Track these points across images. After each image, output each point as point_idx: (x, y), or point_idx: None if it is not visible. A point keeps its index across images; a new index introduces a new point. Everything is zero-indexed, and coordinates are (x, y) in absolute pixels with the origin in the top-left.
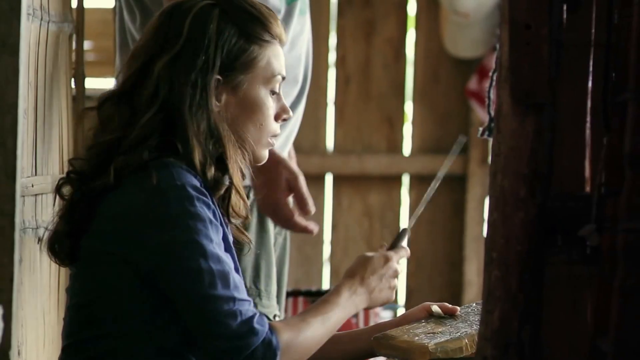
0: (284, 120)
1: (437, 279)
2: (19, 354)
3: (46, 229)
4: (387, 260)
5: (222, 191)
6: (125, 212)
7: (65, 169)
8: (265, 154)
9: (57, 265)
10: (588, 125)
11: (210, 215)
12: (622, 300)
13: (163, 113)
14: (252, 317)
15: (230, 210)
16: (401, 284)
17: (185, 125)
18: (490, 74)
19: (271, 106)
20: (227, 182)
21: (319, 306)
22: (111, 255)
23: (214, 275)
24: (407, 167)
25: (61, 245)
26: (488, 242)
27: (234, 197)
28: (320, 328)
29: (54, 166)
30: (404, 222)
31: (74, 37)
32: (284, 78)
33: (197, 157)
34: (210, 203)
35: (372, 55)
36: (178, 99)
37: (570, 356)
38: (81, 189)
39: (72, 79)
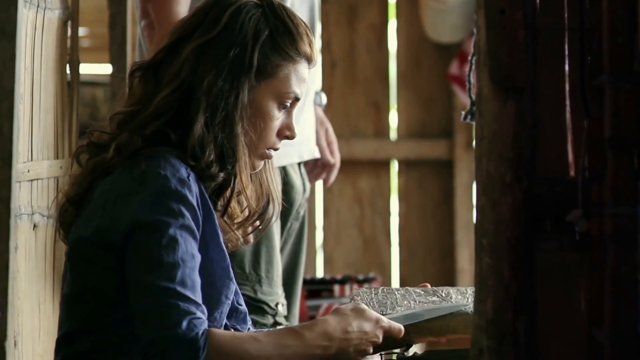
0: (286, 138)
1: (429, 267)
2: (15, 345)
3: (55, 198)
4: (378, 325)
5: (212, 184)
6: (112, 201)
7: (60, 155)
8: (258, 164)
9: (53, 251)
10: (568, 109)
11: (186, 211)
12: (614, 288)
13: (179, 93)
14: (187, 315)
15: (228, 212)
16: (394, 273)
17: (198, 109)
18: (470, 58)
19: (276, 118)
20: (220, 179)
21: (283, 331)
22: (95, 245)
23: (161, 264)
24: (394, 152)
25: (65, 214)
26: (478, 228)
27: (234, 202)
28: (270, 352)
29: (50, 152)
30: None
31: (69, 23)
32: (297, 99)
33: (195, 139)
34: (195, 194)
35: (356, 41)
36: (199, 83)
37: (566, 347)
38: (92, 159)
39: (67, 65)
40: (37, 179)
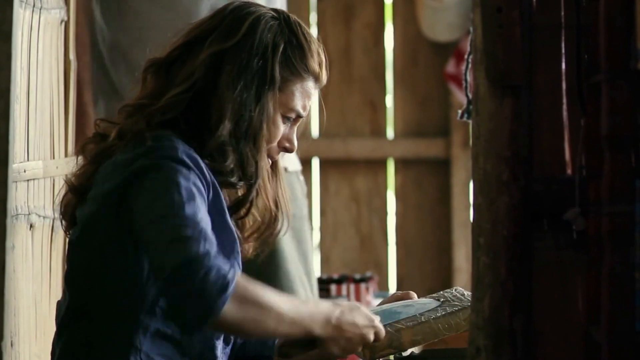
0: (285, 150)
1: (426, 266)
2: (11, 345)
3: (56, 195)
4: (372, 324)
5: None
6: (118, 174)
7: (56, 155)
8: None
9: (49, 251)
10: (565, 107)
11: (195, 177)
12: (611, 286)
13: (191, 94)
14: (212, 249)
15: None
16: (391, 271)
17: (223, 115)
18: (466, 56)
19: (279, 129)
20: (239, 186)
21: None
22: (99, 218)
23: (183, 211)
24: (391, 150)
25: (68, 205)
26: (475, 227)
27: (253, 213)
28: (289, 306)
29: (46, 151)
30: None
31: (65, 23)
32: (300, 117)
33: (217, 143)
34: (202, 168)
35: (353, 40)
36: (222, 90)
37: (563, 345)
38: (97, 149)
39: (63, 65)
40: (34, 179)
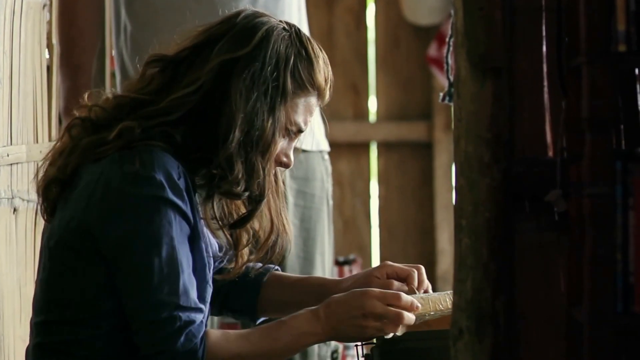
0: (282, 165)
1: (410, 249)
2: None
3: (42, 162)
4: (364, 296)
5: (232, 197)
6: (100, 193)
7: (40, 139)
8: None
9: (34, 235)
10: (546, 89)
11: (181, 218)
12: (593, 268)
13: (195, 97)
14: (187, 326)
15: (233, 239)
16: (374, 254)
17: (232, 124)
18: (448, 39)
19: (279, 143)
20: (244, 197)
21: (272, 325)
22: (79, 235)
23: (163, 277)
24: (373, 134)
25: (48, 191)
26: (457, 209)
27: (243, 231)
28: (262, 349)
29: (29, 135)
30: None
31: (48, 7)
32: (301, 131)
33: (227, 154)
34: (184, 196)
35: (335, 23)
36: (234, 99)
37: (545, 326)
38: (86, 135)
39: (46, 49)
40: (17, 163)
